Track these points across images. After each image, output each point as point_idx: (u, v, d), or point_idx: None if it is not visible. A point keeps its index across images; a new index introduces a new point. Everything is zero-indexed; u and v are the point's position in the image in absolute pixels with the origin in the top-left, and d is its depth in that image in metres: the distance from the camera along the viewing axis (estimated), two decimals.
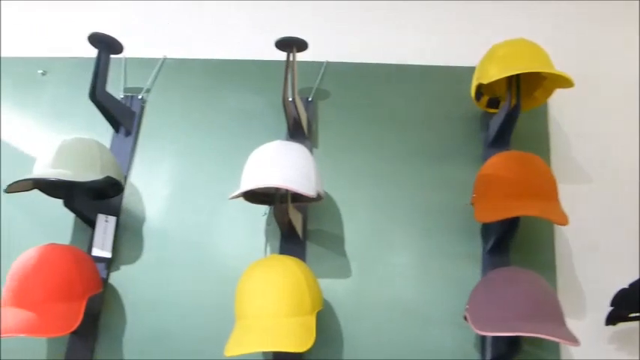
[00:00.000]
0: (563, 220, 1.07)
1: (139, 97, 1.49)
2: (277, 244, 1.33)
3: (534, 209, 1.06)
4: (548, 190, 1.12)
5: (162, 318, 1.29)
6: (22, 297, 1.11)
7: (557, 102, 1.43)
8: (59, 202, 1.27)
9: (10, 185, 1.15)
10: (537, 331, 0.97)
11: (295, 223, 1.25)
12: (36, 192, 1.29)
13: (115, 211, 1.37)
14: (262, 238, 1.34)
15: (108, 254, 1.31)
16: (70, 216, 1.37)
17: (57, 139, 1.25)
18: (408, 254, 1.31)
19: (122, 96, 1.49)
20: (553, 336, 0.97)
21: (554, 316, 1.05)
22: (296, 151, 1.18)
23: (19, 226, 1.39)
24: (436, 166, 1.39)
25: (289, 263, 1.12)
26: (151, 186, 1.41)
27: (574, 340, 0.99)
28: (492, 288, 1.09)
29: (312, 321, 1.07)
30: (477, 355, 1.23)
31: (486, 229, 1.31)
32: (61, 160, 1.20)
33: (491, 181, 1.15)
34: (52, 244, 1.20)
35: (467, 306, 1.13)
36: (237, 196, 1.17)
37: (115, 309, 1.31)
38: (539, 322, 1.01)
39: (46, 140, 1.48)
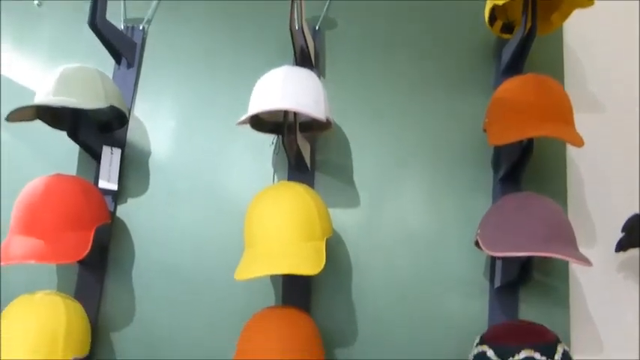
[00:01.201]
0: (579, 142, 1.04)
1: (140, 27, 1.45)
2: (285, 175, 1.31)
3: (550, 130, 1.04)
4: (564, 113, 1.10)
5: (171, 250, 1.29)
6: (30, 225, 1.11)
7: (572, 28, 1.39)
8: (63, 135, 1.25)
9: (11, 113, 1.12)
10: (550, 252, 0.97)
11: (304, 153, 1.23)
12: (39, 125, 1.26)
13: (120, 143, 1.35)
14: (270, 169, 1.32)
15: (114, 186, 1.30)
16: (74, 150, 1.36)
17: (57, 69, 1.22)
18: (418, 184, 1.30)
19: (122, 27, 1.45)
20: (566, 256, 0.97)
21: (567, 239, 1.04)
22: (305, 76, 1.14)
23: (24, 160, 1.37)
24: (447, 96, 1.35)
25: (298, 189, 1.10)
26: (155, 119, 1.38)
27: (586, 261, 0.98)
28: (505, 211, 1.08)
29: (322, 246, 1.06)
30: (486, 283, 1.23)
31: (498, 158, 1.29)
32: (63, 87, 1.17)
33: (505, 104, 1.12)
34: (58, 174, 1.18)
35: (478, 231, 1.12)
36: (245, 122, 1.14)
37: (124, 241, 1.31)
38: (552, 244, 1.00)
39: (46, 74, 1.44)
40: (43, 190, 1.13)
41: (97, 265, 1.28)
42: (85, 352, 1.17)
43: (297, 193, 1.09)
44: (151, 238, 1.30)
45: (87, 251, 1.12)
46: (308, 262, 1.01)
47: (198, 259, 1.29)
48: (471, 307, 1.22)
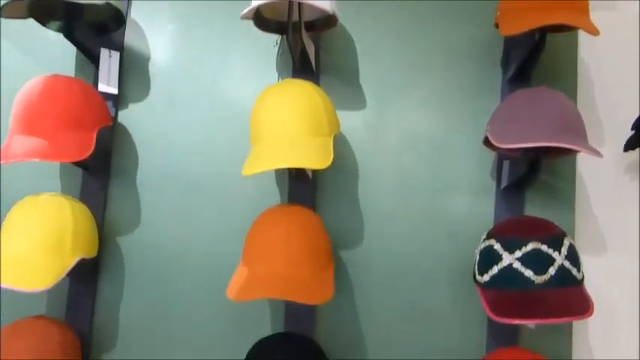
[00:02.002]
0: (594, 31, 1.01)
1: None
2: (290, 76, 1.28)
3: (566, 18, 1.00)
4: (579, 2, 1.05)
5: (174, 154, 1.28)
6: (30, 124, 1.08)
7: None
8: (60, 40, 1.21)
9: (3, 7, 1.07)
10: (561, 142, 0.96)
11: (309, 52, 1.19)
12: (35, 28, 1.22)
13: (118, 46, 1.30)
14: (274, 72, 1.29)
15: (114, 90, 1.27)
16: (71, 55, 1.32)
17: None
18: (425, 85, 1.27)
19: None
20: (577, 146, 0.96)
21: (578, 131, 1.02)
22: None
23: (21, 65, 1.33)
24: None
25: (305, 85, 1.08)
26: (154, 21, 1.33)
27: (596, 152, 0.97)
28: (516, 105, 1.06)
29: (329, 142, 1.04)
30: (492, 184, 1.23)
31: (507, 58, 1.25)
32: None
33: None
34: (56, 74, 1.15)
35: (487, 127, 1.11)
36: (249, 16, 1.10)
37: (126, 147, 1.29)
38: (563, 136, 0.99)
39: None
40: (42, 89, 1.10)
41: (100, 170, 1.27)
42: (93, 253, 1.18)
43: (303, 89, 1.06)
44: (154, 143, 1.29)
45: (90, 151, 1.10)
46: (316, 156, 0.99)
47: (202, 163, 1.27)
48: (477, 207, 1.22)
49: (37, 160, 1.04)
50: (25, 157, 1.03)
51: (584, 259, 1.20)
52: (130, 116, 1.29)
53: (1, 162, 1.03)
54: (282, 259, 1.01)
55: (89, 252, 1.15)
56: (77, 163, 1.22)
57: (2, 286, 0.98)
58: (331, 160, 1.00)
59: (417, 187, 1.24)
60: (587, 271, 1.16)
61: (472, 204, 1.22)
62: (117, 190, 1.28)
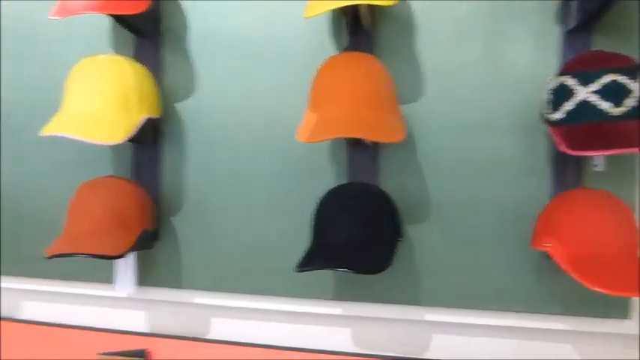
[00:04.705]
0: None
1: None
2: None
3: None
4: None
5: (226, 15, 1.24)
6: None
7: None
8: None
9: None
10: None
11: None
12: None
13: None
14: None
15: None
16: None
17: None
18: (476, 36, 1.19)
19: None
20: None
21: None
22: None
23: None
24: None
25: None
26: None
27: None
28: None
29: None
30: (556, 28, 1.17)
31: (567, 7, 1.15)
32: None
33: None
34: None
35: None
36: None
37: (175, 10, 1.25)
38: None
39: None
40: None
41: (152, 34, 1.25)
42: (157, 113, 1.19)
43: None
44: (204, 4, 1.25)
45: (147, 4, 1.08)
46: None
47: (255, 21, 1.24)
48: (540, 52, 1.17)
49: (93, 12, 1.01)
50: (81, 10, 1.01)
51: None
52: None
53: (60, 16, 1.01)
54: (351, 101, 1.00)
55: (154, 111, 1.16)
56: (130, 27, 1.21)
57: (76, 138, 0.99)
58: None
59: (476, 36, 1.18)
60: None
61: (535, 49, 1.18)
62: (170, 54, 1.26)
